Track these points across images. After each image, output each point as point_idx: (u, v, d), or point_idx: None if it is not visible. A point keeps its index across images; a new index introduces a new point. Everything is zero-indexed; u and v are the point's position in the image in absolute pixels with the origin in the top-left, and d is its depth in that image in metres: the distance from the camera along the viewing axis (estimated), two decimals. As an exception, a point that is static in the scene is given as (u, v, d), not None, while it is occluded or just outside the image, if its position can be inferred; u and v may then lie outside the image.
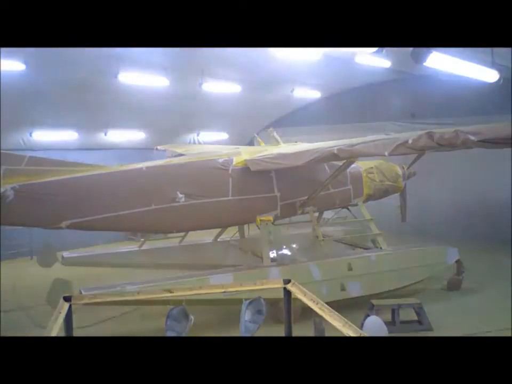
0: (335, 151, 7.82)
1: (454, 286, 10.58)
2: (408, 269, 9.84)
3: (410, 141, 6.87)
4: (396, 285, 9.79)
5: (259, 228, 9.51)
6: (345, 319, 3.61)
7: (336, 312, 3.74)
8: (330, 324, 3.67)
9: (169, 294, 4.40)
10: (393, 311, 8.35)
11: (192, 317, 4.31)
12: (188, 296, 4.46)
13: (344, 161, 8.84)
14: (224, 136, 19.83)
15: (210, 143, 18.48)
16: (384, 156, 7.32)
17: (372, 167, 11.28)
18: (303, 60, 12.02)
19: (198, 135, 19.36)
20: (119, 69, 11.62)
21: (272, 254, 9.85)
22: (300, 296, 4.09)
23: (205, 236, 12.01)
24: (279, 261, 9.57)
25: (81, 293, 6.75)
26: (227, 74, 14.47)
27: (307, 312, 4.57)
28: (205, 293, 4.71)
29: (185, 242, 11.50)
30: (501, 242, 14.07)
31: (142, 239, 11.46)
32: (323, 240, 9.82)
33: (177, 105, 16.09)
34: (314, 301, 3.92)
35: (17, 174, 7.62)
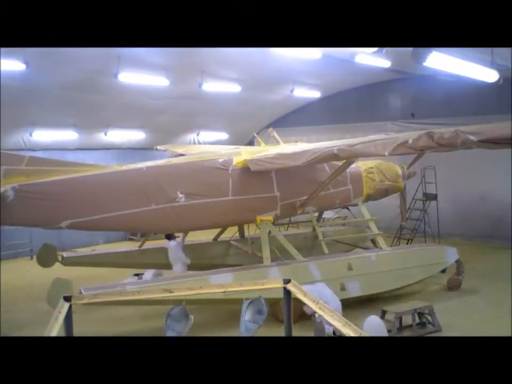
0: (335, 151, 7.83)
1: (454, 286, 10.57)
2: (408, 268, 9.85)
3: (410, 141, 6.86)
4: (395, 284, 9.80)
5: (259, 228, 9.51)
6: (345, 319, 3.61)
7: (336, 312, 3.74)
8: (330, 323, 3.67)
9: (169, 294, 4.39)
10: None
11: (191, 317, 4.30)
12: (188, 296, 4.45)
13: (344, 161, 8.85)
14: (224, 136, 19.83)
15: (210, 143, 18.48)
16: (384, 155, 7.32)
17: (371, 167, 11.29)
18: (303, 60, 12.01)
19: (198, 135, 19.36)
20: (119, 69, 11.61)
21: None
22: (299, 296, 4.09)
23: (205, 236, 12.02)
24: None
25: (81, 292, 6.75)
26: (227, 74, 14.46)
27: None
28: (205, 293, 4.70)
29: (185, 242, 11.49)
30: (501, 242, 14.09)
31: (142, 238, 11.45)
32: (323, 240, 9.82)
33: (177, 105, 16.09)
34: (314, 301, 3.92)
35: (18, 174, 7.63)
